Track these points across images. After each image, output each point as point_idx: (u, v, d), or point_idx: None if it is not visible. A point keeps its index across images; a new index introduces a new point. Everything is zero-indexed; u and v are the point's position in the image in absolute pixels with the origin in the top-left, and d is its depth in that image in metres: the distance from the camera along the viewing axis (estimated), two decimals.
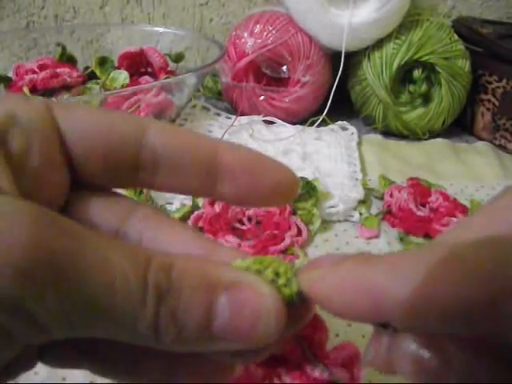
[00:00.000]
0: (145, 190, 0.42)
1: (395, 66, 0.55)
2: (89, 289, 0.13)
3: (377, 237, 0.40)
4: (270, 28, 0.57)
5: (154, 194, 0.42)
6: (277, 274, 0.15)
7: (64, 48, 0.59)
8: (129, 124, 0.18)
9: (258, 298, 0.15)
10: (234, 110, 0.61)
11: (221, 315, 0.14)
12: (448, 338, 0.14)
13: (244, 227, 0.39)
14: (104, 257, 0.13)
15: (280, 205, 0.30)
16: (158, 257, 0.15)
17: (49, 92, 0.54)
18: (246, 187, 0.18)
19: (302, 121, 0.59)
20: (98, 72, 0.58)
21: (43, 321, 0.13)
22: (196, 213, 0.40)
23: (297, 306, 0.16)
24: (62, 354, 0.17)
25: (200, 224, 0.39)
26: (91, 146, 0.17)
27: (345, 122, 0.59)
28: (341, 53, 0.56)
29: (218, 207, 0.39)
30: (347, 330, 0.29)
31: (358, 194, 0.44)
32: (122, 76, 0.56)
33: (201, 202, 0.41)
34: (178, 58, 0.62)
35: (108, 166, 0.18)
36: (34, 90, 0.54)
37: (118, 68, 0.59)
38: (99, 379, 0.19)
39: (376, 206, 0.44)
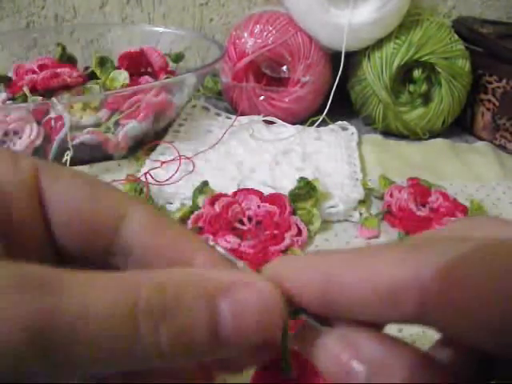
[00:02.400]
0: (145, 189, 0.42)
1: (395, 66, 0.55)
2: (78, 340, 0.13)
3: (377, 237, 0.40)
4: (270, 28, 0.57)
5: (153, 193, 0.42)
6: None
7: (64, 48, 0.59)
8: (111, 205, 0.18)
9: (256, 294, 0.15)
10: (234, 109, 0.61)
11: (224, 320, 0.14)
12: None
13: (244, 227, 0.39)
14: (83, 302, 0.13)
15: None
16: (148, 281, 0.14)
17: (49, 92, 0.54)
18: None
19: (302, 121, 0.59)
20: (98, 72, 0.58)
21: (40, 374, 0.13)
22: (196, 213, 0.40)
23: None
24: None
25: (200, 224, 0.39)
26: (70, 220, 0.18)
27: (345, 122, 0.59)
28: (341, 53, 0.56)
29: (218, 207, 0.39)
30: None
31: (358, 194, 0.44)
32: (122, 76, 0.56)
33: (201, 201, 0.41)
34: (178, 57, 0.62)
35: (83, 242, 0.18)
36: (34, 89, 0.54)
37: (118, 68, 0.59)
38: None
39: (376, 206, 0.44)
